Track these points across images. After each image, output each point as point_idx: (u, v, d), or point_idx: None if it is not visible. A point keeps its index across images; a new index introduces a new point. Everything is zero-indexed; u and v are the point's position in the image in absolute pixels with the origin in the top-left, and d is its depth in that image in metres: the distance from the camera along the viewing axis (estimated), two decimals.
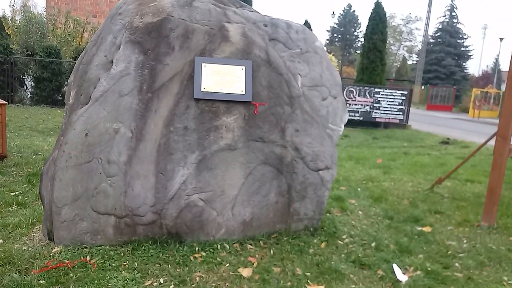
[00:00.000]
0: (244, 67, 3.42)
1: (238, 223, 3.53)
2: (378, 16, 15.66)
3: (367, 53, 15.63)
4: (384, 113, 15.15)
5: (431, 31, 45.32)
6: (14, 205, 4.25)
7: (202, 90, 3.32)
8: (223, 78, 3.38)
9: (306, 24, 22.29)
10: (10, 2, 24.76)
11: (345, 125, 4.03)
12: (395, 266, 3.39)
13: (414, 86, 38.86)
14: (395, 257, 3.60)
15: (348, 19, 66.14)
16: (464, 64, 44.88)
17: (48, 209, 3.30)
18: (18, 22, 16.96)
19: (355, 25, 66.39)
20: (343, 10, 67.35)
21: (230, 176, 3.41)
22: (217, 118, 3.35)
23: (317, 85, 3.87)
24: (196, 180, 3.30)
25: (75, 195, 3.21)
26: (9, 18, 17.83)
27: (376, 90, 14.91)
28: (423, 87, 39.64)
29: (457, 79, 41.85)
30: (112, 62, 3.33)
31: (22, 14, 17.22)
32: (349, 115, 14.84)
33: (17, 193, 4.62)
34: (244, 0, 20.61)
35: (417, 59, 46.82)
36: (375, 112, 15.04)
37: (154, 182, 3.24)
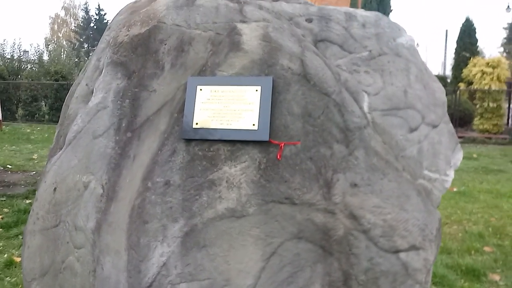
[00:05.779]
0: (259, 88, 2.19)
1: None
2: None
3: None
4: None
5: None
6: None
7: (194, 126, 2.22)
8: (226, 107, 2.22)
9: (468, 21, 18.66)
10: None
11: None
12: None
13: None
14: None
15: None
16: None
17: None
18: None
19: None
20: None
21: (237, 257, 2.19)
22: (214, 168, 2.19)
23: (398, 107, 2.36)
24: (182, 263, 2.19)
25: (42, 268, 2.46)
26: None
27: None
28: None
29: None
30: (93, 92, 2.52)
31: None
32: None
33: None
34: (382, 5, 18.41)
35: None
36: None
37: (126, 261, 2.25)
